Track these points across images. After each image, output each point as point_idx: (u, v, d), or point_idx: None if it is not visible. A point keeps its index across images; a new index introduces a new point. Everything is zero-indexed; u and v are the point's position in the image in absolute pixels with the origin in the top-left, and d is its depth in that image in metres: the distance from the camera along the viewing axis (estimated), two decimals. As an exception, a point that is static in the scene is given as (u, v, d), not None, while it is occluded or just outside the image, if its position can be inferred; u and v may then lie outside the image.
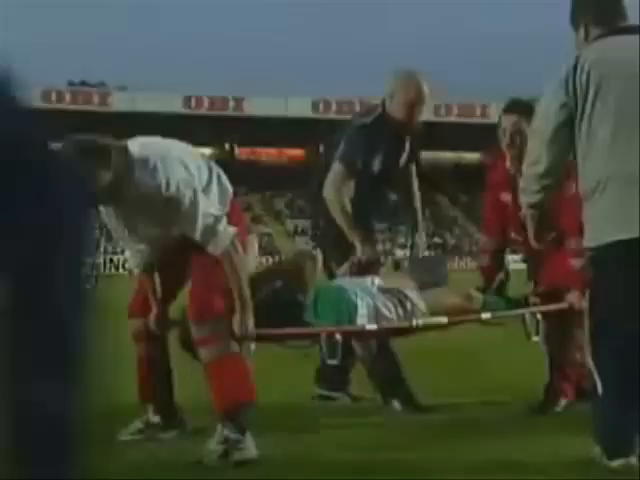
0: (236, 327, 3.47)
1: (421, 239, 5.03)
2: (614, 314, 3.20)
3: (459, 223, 50.99)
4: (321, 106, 48.27)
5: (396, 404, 4.46)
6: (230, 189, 3.65)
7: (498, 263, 4.65)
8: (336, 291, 4.01)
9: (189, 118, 46.07)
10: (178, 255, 3.65)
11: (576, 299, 4.26)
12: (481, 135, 47.44)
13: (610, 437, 3.16)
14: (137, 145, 3.46)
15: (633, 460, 3.08)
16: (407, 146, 4.75)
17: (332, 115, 47.63)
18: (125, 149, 3.39)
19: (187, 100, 47.84)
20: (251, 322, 3.50)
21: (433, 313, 4.12)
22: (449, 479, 3.17)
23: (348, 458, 3.44)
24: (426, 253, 5.43)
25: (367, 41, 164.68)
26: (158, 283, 3.75)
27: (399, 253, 44.64)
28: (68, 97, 47.00)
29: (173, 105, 46.50)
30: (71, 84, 53.02)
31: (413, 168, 4.99)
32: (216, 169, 3.63)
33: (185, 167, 3.44)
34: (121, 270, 33.42)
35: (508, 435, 3.80)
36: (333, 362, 3.72)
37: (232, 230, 3.48)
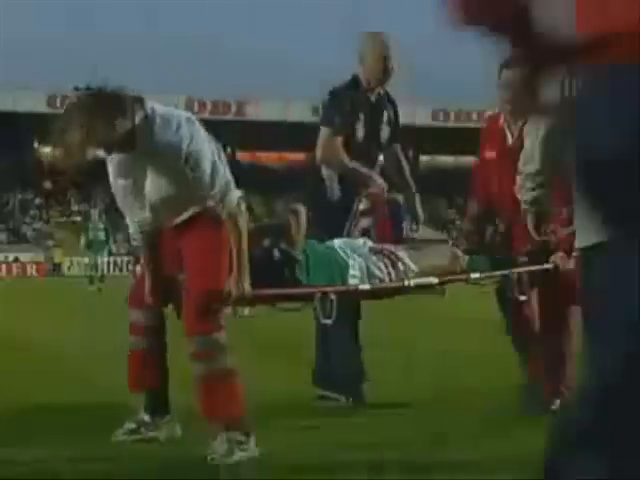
0: (232, 287, 3.46)
1: (420, 214, 5.00)
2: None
3: (456, 224, 50.91)
4: (321, 110, 48.12)
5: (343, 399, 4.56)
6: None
7: (482, 227, 4.63)
8: (327, 251, 3.99)
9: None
10: (172, 243, 3.65)
11: (561, 260, 4.29)
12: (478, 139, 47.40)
13: None
14: (158, 104, 3.52)
15: None
16: (386, 118, 4.86)
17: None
18: (144, 102, 3.44)
19: (190, 103, 47.75)
20: (247, 283, 3.49)
21: (423, 274, 4.13)
22: (449, 478, 3.20)
23: (346, 457, 3.47)
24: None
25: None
26: (152, 255, 3.70)
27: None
28: (73, 102, 46.78)
29: (177, 107, 46.45)
30: (77, 89, 52.84)
31: (398, 149, 5.05)
32: (220, 152, 3.67)
33: (204, 135, 3.53)
34: (125, 272, 33.38)
35: (503, 434, 3.83)
36: (327, 322, 3.71)
37: (238, 192, 3.55)
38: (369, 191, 4.56)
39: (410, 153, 53.70)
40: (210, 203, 3.50)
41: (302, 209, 4.01)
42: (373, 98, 4.81)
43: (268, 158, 54.09)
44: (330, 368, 4.68)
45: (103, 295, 16.78)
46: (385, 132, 4.90)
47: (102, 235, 20.79)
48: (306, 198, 5.00)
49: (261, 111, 48.16)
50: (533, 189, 3.43)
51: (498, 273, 4.37)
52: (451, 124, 48.23)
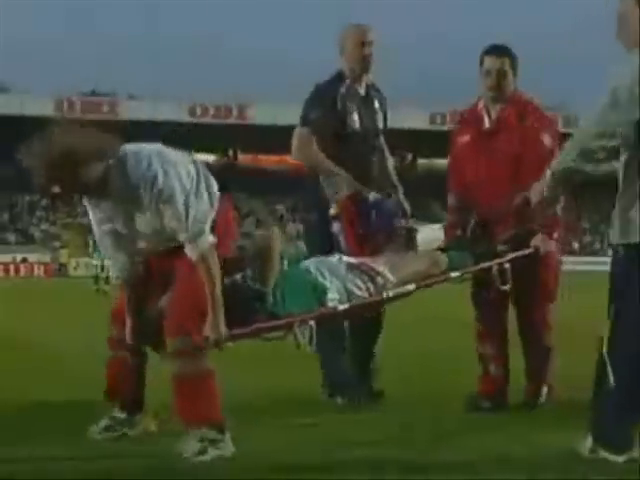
0: (209, 330, 3.39)
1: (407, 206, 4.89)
2: None
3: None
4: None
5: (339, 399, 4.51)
6: (216, 191, 3.62)
7: (462, 220, 4.52)
8: (302, 276, 3.83)
9: (195, 126, 46.03)
10: (156, 269, 3.61)
11: (540, 242, 4.23)
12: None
13: (614, 432, 3.14)
14: (131, 144, 3.47)
15: (635, 454, 3.09)
16: (378, 107, 4.78)
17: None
18: (117, 141, 3.40)
19: (192, 109, 47.74)
20: (222, 325, 3.41)
21: (403, 282, 4.01)
22: (443, 477, 3.14)
23: (343, 456, 3.42)
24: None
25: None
26: (134, 296, 3.66)
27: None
28: (79, 106, 46.89)
29: (179, 113, 46.35)
30: (82, 94, 52.93)
31: (382, 141, 4.89)
32: (204, 172, 3.59)
33: (179, 165, 3.44)
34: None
35: (496, 429, 3.79)
36: (312, 350, 3.60)
37: (212, 238, 3.44)
38: (337, 196, 4.44)
39: (409, 156, 53.86)
40: (183, 239, 3.44)
41: (277, 233, 3.87)
42: (362, 89, 4.71)
43: (268, 161, 54.08)
44: (332, 374, 4.66)
45: (108, 296, 16.76)
46: (381, 120, 4.81)
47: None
48: (304, 202, 4.95)
49: (262, 113, 48.04)
50: (599, 161, 3.25)
51: (477, 268, 4.27)
52: (446, 127, 48.27)
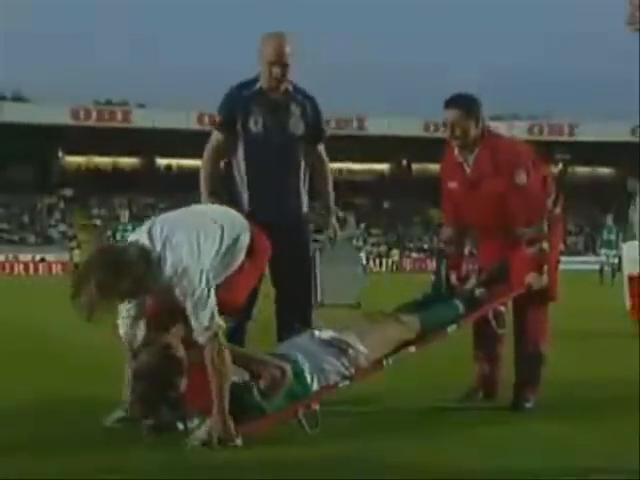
0: (214, 431, 3.29)
1: (334, 222, 4.69)
2: None
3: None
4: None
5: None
6: (245, 241, 3.60)
7: (458, 250, 4.45)
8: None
9: (204, 134, 45.99)
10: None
11: (533, 279, 4.13)
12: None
13: None
14: (148, 238, 3.42)
15: None
16: (297, 113, 4.38)
17: (331, 131, 47.57)
18: (144, 251, 3.37)
19: (201, 117, 47.76)
20: (231, 423, 3.32)
21: (374, 351, 3.88)
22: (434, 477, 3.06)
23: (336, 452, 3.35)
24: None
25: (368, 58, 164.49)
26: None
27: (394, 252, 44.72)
28: (94, 115, 46.90)
29: (189, 122, 46.34)
30: (97, 103, 52.91)
31: (320, 148, 4.57)
32: (230, 225, 3.58)
33: (192, 247, 3.40)
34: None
35: (479, 432, 3.67)
36: (315, 432, 3.45)
37: (220, 325, 3.38)
38: None
39: (404, 162, 53.89)
40: (194, 328, 3.37)
41: (288, 367, 3.65)
42: (274, 95, 4.33)
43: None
44: None
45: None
46: (299, 126, 4.38)
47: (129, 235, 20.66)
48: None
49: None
50: None
51: (473, 316, 4.18)
52: (440, 134, 48.21)
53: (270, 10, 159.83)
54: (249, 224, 3.72)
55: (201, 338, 3.36)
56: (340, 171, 53.74)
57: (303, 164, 4.45)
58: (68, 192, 48.23)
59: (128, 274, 3.26)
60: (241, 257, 3.61)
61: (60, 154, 50.52)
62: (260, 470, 3.07)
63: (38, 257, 41.25)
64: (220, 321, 3.39)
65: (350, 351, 3.83)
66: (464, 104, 4.22)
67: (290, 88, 4.38)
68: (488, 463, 3.12)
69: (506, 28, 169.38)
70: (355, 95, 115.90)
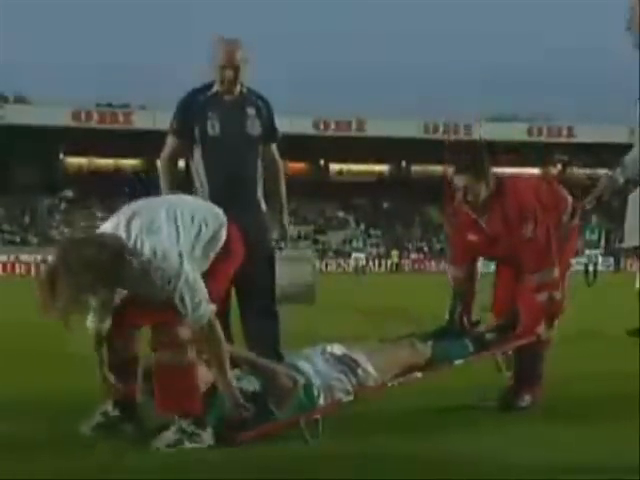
0: (227, 401, 3.31)
1: (285, 223, 4.63)
2: None
3: (444, 230, 50.88)
4: (321, 125, 48.16)
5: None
6: (222, 236, 3.53)
7: (469, 289, 4.45)
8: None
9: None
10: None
11: (544, 331, 4.19)
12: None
13: None
14: (125, 228, 3.33)
15: None
16: (251, 113, 4.39)
17: (331, 133, 47.63)
18: (118, 240, 3.27)
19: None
20: (237, 393, 3.34)
21: (382, 373, 3.89)
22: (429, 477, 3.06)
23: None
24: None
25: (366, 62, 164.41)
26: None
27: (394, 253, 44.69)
28: (96, 117, 46.91)
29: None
30: (99, 105, 52.91)
31: (274, 148, 4.56)
32: (209, 217, 3.51)
33: (170, 232, 3.34)
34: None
35: (475, 430, 3.67)
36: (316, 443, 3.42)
37: (211, 308, 3.33)
38: None
39: (403, 163, 53.88)
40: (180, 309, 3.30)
41: (300, 378, 3.68)
42: (228, 97, 4.34)
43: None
44: None
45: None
46: (255, 127, 4.40)
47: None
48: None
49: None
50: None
51: (480, 355, 4.19)
52: (440, 136, 48.26)
53: (270, 11, 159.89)
54: (231, 228, 3.67)
55: (195, 324, 3.30)
56: (340, 172, 53.79)
57: (259, 167, 4.46)
58: (69, 193, 48.25)
59: (99, 267, 3.14)
60: (216, 250, 3.52)
61: (61, 155, 50.51)
62: (260, 470, 3.05)
63: (39, 258, 41.24)
64: (212, 305, 3.34)
65: (359, 371, 3.85)
66: (474, 170, 4.23)
67: (244, 90, 4.41)
68: (488, 462, 3.12)
69: (506, 29, 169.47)
70: (355, 97, 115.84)
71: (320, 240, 44.26)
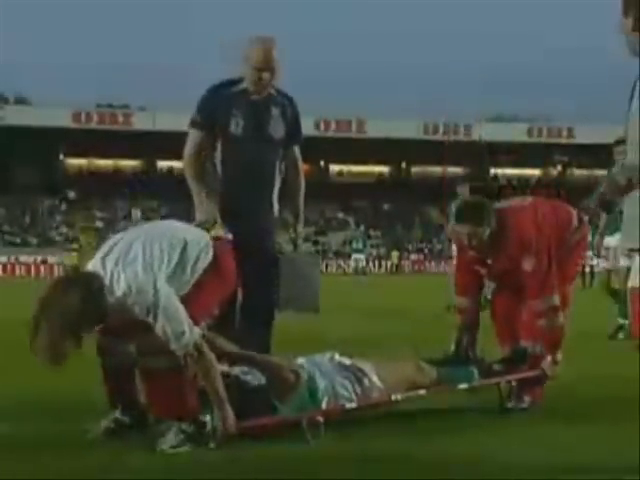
0: (217, 423, 3.28)
1: (300, 232, 4.57)
2: None
3: (445, 230, 50.97)
4: (322, 125, 48.16)
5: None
6: (208, 256, 3.48)
7: (474, 319, 4.51)
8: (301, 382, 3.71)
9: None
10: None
11: (548, 366, 4.24)
12: (465, 152, 47.62)
13: None
14: (101, 262, 3.31)
15: None
16: (276, 115, 4.32)
17: (331, 133, 47.61)
18: (95, 277, 3.24)
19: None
20: (231, 417, 3.30)
21: (390, 385, 3.90)
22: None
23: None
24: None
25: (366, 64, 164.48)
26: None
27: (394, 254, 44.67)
28: (96, 118, 46.92)
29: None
30: (99, 106, 52.92)
31: (296, 150, 4.49)
32: (192, 240, 3.47)
33: (146, 261, 3.30)
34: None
35: (476, 431, 3.66)
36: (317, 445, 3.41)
37: (197, 333, 3.29)
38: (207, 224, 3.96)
39: (403, 164, 53.86)
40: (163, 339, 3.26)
41: (303, 372, 3.70)
42: (255, 96, 4.25)
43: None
44: None
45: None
46: (278, 129, 4.32)
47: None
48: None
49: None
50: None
51: (485, 382, 4.21)
52: (439, 137, 48.26)
53: (268, 11, 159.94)
54: (219, 243, 3.64)
55: (180, 350, 3.26)
56: (340, 173, 53.78)
57: (278, 169, 4.40)
58: (71, 194, 48.25)
59: (79, 310, 3.11)
60: (199, 272, 3.48)
61: (61, 156, 50.52)
62: (260, 470, 3.04)
63: (39, 259, 41.22)
64: (197, 329, 3.30)
65: (365, 380, 3.86)
66: (475, 218, 4.28)
67: (272, 91, 4.33)
68: (488, 463, 3.12)
69: (507, 29, 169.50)
70: (355, 97, 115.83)
71: (320, 241, 44.23)
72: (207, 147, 4.31)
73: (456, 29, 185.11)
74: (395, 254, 43.88)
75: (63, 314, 3.09)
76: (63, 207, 47.87)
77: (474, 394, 4.28)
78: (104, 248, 3.41)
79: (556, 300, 4.26)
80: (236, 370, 3.46)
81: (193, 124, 4.33)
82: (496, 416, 4.02)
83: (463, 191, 13.00)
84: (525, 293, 4.30)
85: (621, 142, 8.36)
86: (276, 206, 4.42)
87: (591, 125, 48.36)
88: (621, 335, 7.96)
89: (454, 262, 4.63)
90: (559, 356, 4.34)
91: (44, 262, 40.99)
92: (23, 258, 41.00)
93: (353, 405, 3.76)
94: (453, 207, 4.41)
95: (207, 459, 3.18)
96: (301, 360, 3.89)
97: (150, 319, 3.23)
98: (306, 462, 3.16)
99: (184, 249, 3.45)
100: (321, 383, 3.73)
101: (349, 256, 42.03)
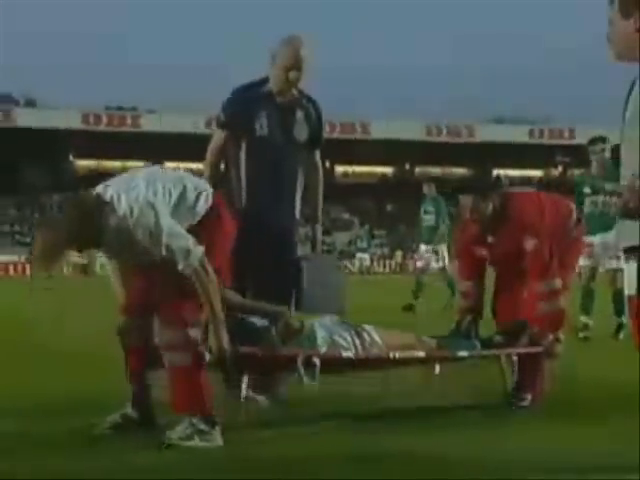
0: (212, 343, 3.30)
1: (319, 235, 4.56)
2: None
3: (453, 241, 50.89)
4: (327, 127, 48.18)
5: (262, 398, 4.09)
6: (206, 204, 3.49)
7: (477, 302, 4.50)
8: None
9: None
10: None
11: (550, 344, 4.22)
12: (467, 153, 47.54)
13: None
14: (104, 187, 3.39)
15: None
16: (300, 117, 4.33)
17: (336, 135, 47.61)
18: (97, 196, 3.32)
19: (209, 121, 47.80)
20: (226, 339, 3.32)
21: (390, 347, 3.90)
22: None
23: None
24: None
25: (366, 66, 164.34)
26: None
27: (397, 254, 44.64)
28: (105, 119, 46.96)
29: (197, 125, 46.37)
30: (108, 108, 52.96)
31: (317, 154, 4.50)
32: (191, 185, 3.48)
33: (148, 191, 3.34)
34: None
35: (477, 430, 3.65)
36: (313, 383, 3.49)
37: (200, 250, 3.31)
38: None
39: (407, 165, 53.81)
40: (167, 258, 3.30)
41: (307, 322, 3.77)
42: (281, 98, 4.26)
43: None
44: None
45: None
46: (302, 132, 4.34)
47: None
48: None
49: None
50: None
51: (485, 352, 4.23)
52: (443, 139, 48.20)
53: (275, 12, 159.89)
54: (217, 196, 3.63)
55: (186, 269, 3.30)
56: (345, 174, 53.73)
57: (301, 171, 4.39)
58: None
59: (77, 221, 3.24)
60: (196, 218, 3.49)
61: (71, 157, 50.57)
62: (260, 470, 3.02)
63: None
64: (199, 247, 3.32)
65: (365, 335, 3.86)
66: (480, 190, 4.35)
67: (296, 93, 4.32)
68: (489, 462, 3.10)
69: (507, 29, 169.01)
70: (359, 99, 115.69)
71: (326, 241, 44.24)
72: (230, 148, 4.30)
73: (456, 29, 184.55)
74: (399, 253, 43.84)
75: (60, 227, 3.24)
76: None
77: (476, 376, 4.28)
78: (107, 182, 3.48)
79: (557, 284, 4.27)
80: (220, 317, 3.38)
81: (218, 124, 4.33)
82: (496, 414, 4.00)
83: (429, 190, 13.33)
84: (526, 277, 4.30)
85: (596, 140, 8.35)
86: (298, 208, 4.41)
87: (592, 126, 48.32)
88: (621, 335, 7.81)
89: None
90: (561, 335, 4.29)
91: (54, 261, 41.11)
92: (34, 258, 41.10)
93: (350, 354, 3.74)
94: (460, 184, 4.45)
95: (207, 459, 3.14)
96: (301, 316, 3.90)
97: (154, 241, 3.27)
98: (306, 462, 3.12)
99: (184, 191, 3.47)
100: (320, 333, 3.74)
101: (353, 256, 42.02)
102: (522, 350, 4.21)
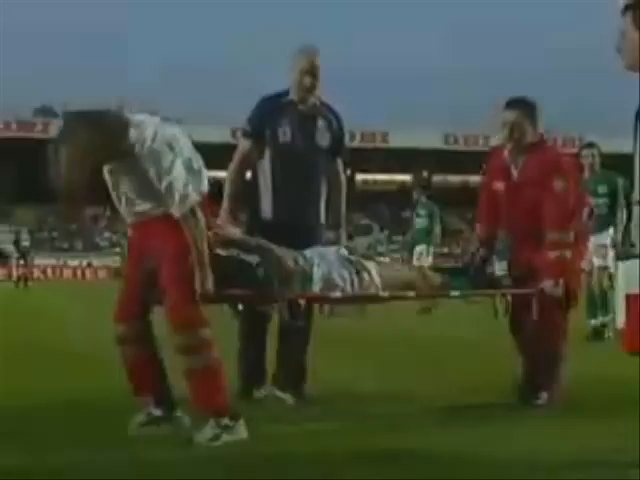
0: (197, 285, 3.24)
1: (343, 239, 4.53)
2: None
3: (464, 235, 50.60)
4: (348, 136, 48.12)
5: (288, 396, 4.05)
6: (203, 191, 3.39)
7: (489, 249, 4.34)
8: (297, 262, 3.72)
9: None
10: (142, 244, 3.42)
11: (549, 286, 4.02)
12: (484, 160, 47.11)
13: None
14: (133, 115, 3.34)
15: None
16: (322, 125, 4.32)
17: (356, 144, 47.49)
18: (126, 118, 3.27)
19: (234, 131, 47.85)
20: (210, 281, 3.26)
21: (389, 286, 3.83)
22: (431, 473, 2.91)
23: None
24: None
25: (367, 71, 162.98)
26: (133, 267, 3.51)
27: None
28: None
29: (222, 135, 46.51)
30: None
31: (340, 163, 4.47)
32: (204, 170, 3.42)
33: (177, 139, 3.30)
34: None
35: (489, 428, 3.56)
36: (298, 324, 3.49)
37: (196, 196, 3.29)
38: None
39: (424, 173, 53.62)
40: (169, 204, 3.25)
41: (307, 266, 3.70)
42: (303, 106, 4.28)
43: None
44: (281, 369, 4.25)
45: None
46: (324, 139, 4.33)
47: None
48: None
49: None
50: None
51: (479, 292, 4.11)
52: (461, 147, 48.05)
53: (293, 21, 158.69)
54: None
55: (176, 212, 3.24)
56: (365, 182, 53.67)
57: (324, 176, 4.40)
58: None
59: (102, 135, 3.16)
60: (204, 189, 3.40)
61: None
62: (260, 470, 2.94)
63: (85, 262, 41.71)
64: (194, 194, 3.28)
65: (364, 274, 3.80)
66: (526, 107, 4.17)
67: (317, 102, 4.36)
68: (492, 459, 3.05)
69: (507, 29, 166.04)
70: (377, 108, 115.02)
71: (348, 246, 44.14)
72: (254, 156, 4.34)
73: (456, 29, 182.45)
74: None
75: (83, 142, 3.15)
76: (107, 214, 48.25)
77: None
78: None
79: (571, 237, 4.08)
80: (206, 257, 3.33)
81: (243, 134, 4.40)
82: (500, 413, 3.91)
83: (418, 197, 13.82)
84: (545, 221, 4.07)
85: (589, 146, 8.28)
86: (322, 214, 4.41)
87: (593, 130, 47.90)
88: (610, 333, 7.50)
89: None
90: (561, 281, 4.07)
91: (89, 265, 41.51)
92: (70, 262, 41.54)
93: (338, 295, 3.69)
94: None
95: (207, 459, 3.05)
96: (308, 251, 3.85)
97: (158, 178, 3.22)
98: (306, 462, 3.04)
99: (200, 167, 3.38)
100: (317, 272, 3.70)
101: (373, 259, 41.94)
102: (515, 291, 4.07)
